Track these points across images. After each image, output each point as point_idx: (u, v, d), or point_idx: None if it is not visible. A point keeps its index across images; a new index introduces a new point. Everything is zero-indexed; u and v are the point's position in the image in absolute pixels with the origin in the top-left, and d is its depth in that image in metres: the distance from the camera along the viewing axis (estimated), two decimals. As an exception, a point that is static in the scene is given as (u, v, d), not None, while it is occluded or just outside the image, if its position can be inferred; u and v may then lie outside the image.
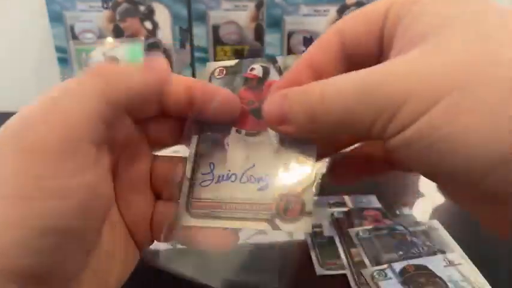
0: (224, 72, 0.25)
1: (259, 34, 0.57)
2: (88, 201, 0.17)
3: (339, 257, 0.33)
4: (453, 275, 0.30)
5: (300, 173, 0.21)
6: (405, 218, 0.38)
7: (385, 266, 0.31)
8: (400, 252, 0.33)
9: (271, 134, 0.22)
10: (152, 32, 0.58)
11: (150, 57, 0.22)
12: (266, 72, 0.24)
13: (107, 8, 0.56)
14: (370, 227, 0.36)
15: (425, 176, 0.18)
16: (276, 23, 0.56)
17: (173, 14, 0.57)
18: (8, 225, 0.15)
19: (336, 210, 0.39)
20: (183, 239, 0.22)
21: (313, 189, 0.21)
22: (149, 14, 0.57)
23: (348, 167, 0.24)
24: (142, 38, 0.57)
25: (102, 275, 0.20)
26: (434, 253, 0.32)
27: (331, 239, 0.35)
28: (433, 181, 0.18)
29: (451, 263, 0.31)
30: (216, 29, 0.57)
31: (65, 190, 0.16)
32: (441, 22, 0.16)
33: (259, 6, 0.56)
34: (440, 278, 0.30)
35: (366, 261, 0.32)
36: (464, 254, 0.33)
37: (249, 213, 0.21)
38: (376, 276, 0.30)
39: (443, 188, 0.18)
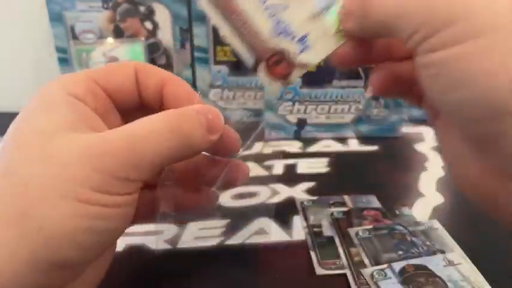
0: None
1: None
2: (127, 212, 0.20)
3: (338, 256, 0.33)
4: (453, 275, 0.30)
5: (311, 49, 0.21)
6: (405, 218, 0.38)
7: (385, 265, 0.31)
8: (400, 252, 0.33)
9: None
10: (152, 32, 0.58)
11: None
12: None
13: (107, 8, 0.56)
14: (369, 226, 0.36)
15: (438, 102, 0.18)
16: (276, 23, 0.56)
17: (173, 14, 0.57)
18: (64, 222, 0.17)
19: (336, 210, 0.39)
20: None
21: (305, 69, 0.21)
22: (149, 14, 0.57)
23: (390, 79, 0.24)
24: (143, 38, 0.57)
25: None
26: (434, 253, 0.32)
27: (330, 239, 0.35)
28: (443, 111, 0.19)
29: (450, 263, 0.31)
30: (216, 29, 0.57)
31: (111, 201, 0.19)
32: None
33: (259, 7, 0.56)
34: (439, 277, 0.30)
35: (366, 261, 0.32)
36: (464, 253, 0.33)
37: (249, 39, 0.21)
38: (376, 276, 0.30)
39: (448, 125, 0.19)
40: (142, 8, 0.57)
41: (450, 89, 0.16)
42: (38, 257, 0.17)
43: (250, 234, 0.36)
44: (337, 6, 0.21)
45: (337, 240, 0.35)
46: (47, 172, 0.17)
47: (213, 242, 0.35)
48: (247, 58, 0.21)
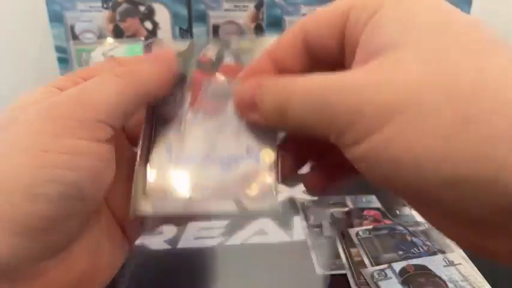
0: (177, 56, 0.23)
1: (259, 34, 0.57)
2: (97, 166, 0.18)
3: (338, 256, 0.33)
4: (453, 275, 0.30)
5: (262, 153, 0.21)
6: (405, 218, 0.38)
7: (385, 265, 0.31)
8: (400, 252, 0.33)
9: (230, 115, 0.22)
10: (152, 32, 0.58)
11: (155, 51, 0.22)
12: (220, 55, 0.23)
13: (107, 8, 0.56)
14: (370, 226, 0.36)
15: (383, 188, 0.17)
16: (276, 23, 0.56)
17: (173, 14, 0.57)
18: (20, 173, 0.17)
19: (336, 210, 0.39)
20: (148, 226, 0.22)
21: (277, 168, 0.21)
22: (149, 14, 0.57)
23: (321, 176, 0.23)
24: (143, 38, 0.57)
25: (89, 268, 0.20)
26: (434, 253, 0.32)
27: (331, 239, 0.35)
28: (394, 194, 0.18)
29: (450, 263, 0.31)
30: (216, 29, 0.57)
31: (78, 148, 0.18)
32: (401, 35, 0.15)
33: (259, 6, 0.56)
34: (440, 277, 0.30)
35: (366, 261, 0.32)
36: (464, 254, 0.33)
37: (213, 195, 0.20)
38: (376, 276, 0.30)
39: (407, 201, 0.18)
40: (142, 8, 0.57)
41: (373, 179, 0.16)
42: (4, 216, 0.16)
43: (250, 235, 0.36)
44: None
45: (337, 240, 0.35)
46: (12, 132, 0.18)
47: (213, 242, 0.35)
48: (229, 208, 0.21)
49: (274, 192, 0.21)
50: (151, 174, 0.21)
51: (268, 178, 0.21)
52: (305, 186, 0.23)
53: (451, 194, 0.14)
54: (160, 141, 0.22)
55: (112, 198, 0.22)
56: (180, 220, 0.21)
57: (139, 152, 0.21)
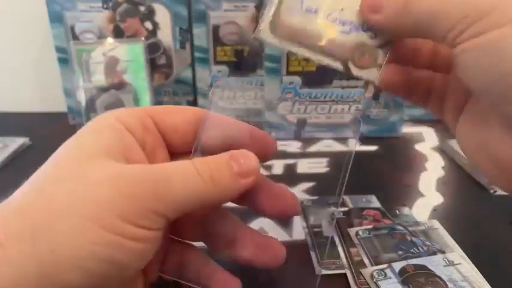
0: None
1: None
2: (145, 249, 0.19)
3: (338, 256, 0.33)
4: (453, 275, 0.30)
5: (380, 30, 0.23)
6: (405, 218, 0.38)
7: (385, 265, 0.31)
8: (400, 252, 0.33)
9: None
10: (152, 33, 0.58)
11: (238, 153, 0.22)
12: None
13: (107, 8, 0.56)
14: (369, 226, 0.36)
15: (478, 90, 0.20)
16: (276, 23, 0.56)
17: (173, 15, 0.57)
18: (73, 241, 0.17)
19: (336, 210, 0.39)
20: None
21: (387, 47, 0.23)
22: (149, 15, 0.57)
23: (404, 76, 0.25)
24: (143, 39, 0.57)
25: None
26: (434, 253, 0.32)
27: (331, 239, 0.35)
28: (480, 93, 0.20)
29: (450, 263, 0.31)
30: (216, 29, 0.57)
31: (135, 233, 0.18)
32: None
33: (259, 7, 0.56)
34: (439, 277, 0.30)
35: (366, 261, 0.32)
36: (464, 253, 0.33)
37: (327, 50, 0.23)
38: (376, 276, 0.30)
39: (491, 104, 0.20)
40: (142, 8, 0.57)
41: (492, 66, 0.17)
42: (46, 277, 0.16)
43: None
44: None
45: (337, 240, 0.35)
46: (73, 190, 0.17)
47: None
48: (337, 65, 0.23)
49: (378, 70, 0.23)
50: (282, 10, 0.23)
51: (380, 56, 0.23)
52: (382, 76, 0.24)
53: None
54: None
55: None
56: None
57: None
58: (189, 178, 0.19)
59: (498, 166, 0.20)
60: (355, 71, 0.23)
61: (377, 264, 0.32)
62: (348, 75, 0.25)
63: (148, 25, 0.58)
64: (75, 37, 0.57)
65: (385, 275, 0.30)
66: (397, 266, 0.31)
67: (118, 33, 0.57)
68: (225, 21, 0.57)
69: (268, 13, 0.23)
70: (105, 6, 0.56)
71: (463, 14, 0.18)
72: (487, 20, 0.17)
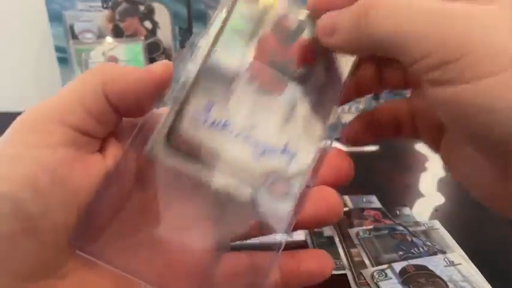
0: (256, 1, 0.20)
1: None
2: (39, 176, 0.17)
3: (338, 257, 0.33)
4: (453, 275, 0.30)
5: (298, 154, 0.19)
6: (405, 218, 0.38)
7: (385, 266, 0.31)
8: (400, 253, 0.32)
9: (286, 100, 0.20)
10: (152, 32, 0.58)
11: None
12: (301, 28, 0.20)
13: (106, 7, 0.56)
14: (370, 227, 0.36)
15: (454, 130, 0.17)
16: (276, 23, 0.56)
17: (173, 14, 0.57)
18: None
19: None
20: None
21: (305, 175, 0.19)
22: (149, 14, 0.57)
23: (367, 125, 0.23)
24: (142, 38, 0.57)
25: None
26: (435, 253, 0.32)
27: (331, 239, 0.35)
28: (459, 145, 0.18)
29: (451, 263, 0.31)
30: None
31: (20, 155, 0.17)
32: None
33: (259, 6, 0.56)
34: (440, 278, 0.30)
35: (366, 261, 0.32)
36: (464, 254, 0.33)
37: (234, 174, 0.19)
38: (376, 277, 0.30)
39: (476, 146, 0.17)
40: (141, 8, 0.57)
41: (470, 116, 0.15)
42: None
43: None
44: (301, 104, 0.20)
45: (337, 241, 0.35)
46: None
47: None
48: (243, 193, 0.19)
49: (292, 202, 0.19)
50: (181, 124, 0.19)
51: (294, 186, 0.19)
52: (345, 134, 0.22)
53: None
54: (203, 92, 0.19)
55: None
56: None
57: (177, 92, 0.19)
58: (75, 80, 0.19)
59: (484, 191, 0.19)
60: (264, 202, 0.19)
61: (377, 264, 0.32)
62: (254, 209, 0.19)
63: (148, 24, 0.58)
64: (74, 37, 0.57)
65: (386, 275, 0.30)
66: (398, 266, 0.31)
67: (117, 33, 0.57)
68: (225, 20, 0.57)
69: (164, 125, 0.19)
70: (104, 5, 0.56)
71: (428, 50, 0.15)
72: (464, 62, 0.14)
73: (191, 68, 0.19)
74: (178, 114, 0.19)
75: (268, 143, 0.19)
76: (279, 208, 0.19)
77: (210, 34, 0.19)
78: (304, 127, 0.20)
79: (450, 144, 0.20)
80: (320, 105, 0.20)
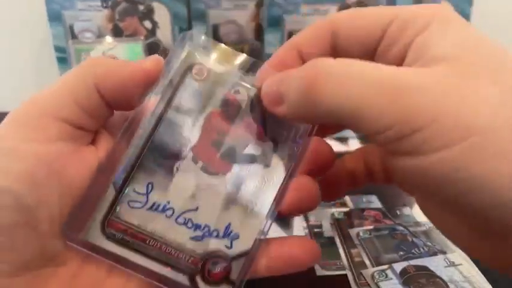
0: (205, 75, 0.20)
1: (259, 33, 0.57)
2: (34, 170, 0.17)
3: (339, 257, 0.33)
4: (454, 276, 0.30)
5: (240, 237, 0.19)
6: (406, 219, 0.38)
7: (386, 266, 0.31)
8: (401, 253, 0.32)
9: (230, 181, 0.19)
10: (152, 32, 0.58)
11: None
12: (252, 106, 0.20)
13: (106, 7, 0.56)
14: (370, 227, 0.36)
15: (422, 201, 0.17)
16: (276, 23, 0.56)
17: (173, 14, 0.57)
18: None
19: (336, 210, 0.39)
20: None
21: (244, 260, 0.19)
22: (148, 14, 0.57)
23: (328, 184, 0.23)
24: (142, 38, 0.56)
25: None
26: (435, 253, 0.32)
27: (331, 239, 0.35)
28: (433, 206, 0.17)
29: (451, 264, 0.31)
30: (216, 28, 0.57)
31: (16, 150, 0.17)
32: (460, 50, 0.15)
33: (259, 6, 0.56)
34: (441, 278, 0.30)
35: (367, 261, 0.32)
36: (465, 254, 0.32)
37: (171, 259, 0.19)
38: (377, 277, 0.30)
39: (439, 217, 0.18)
40: (141, 7, 0.56)
41: (435, 189, 0.15)
42: None
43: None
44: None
45: (337, 241, 0.35)
46: None
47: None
48: (180, 279, 0.19)
49: (231, 283, 0.19)
50: (119, 207, 0.19)
51: (236, 269, 0.19)
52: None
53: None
54: (143, 173, 0.19)
55: None
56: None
57: (114, 172, 0.19)
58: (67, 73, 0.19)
59: (465, 244, 0.18)
60: None
61: (378, 265, 0.31)
62: None
63: (148, 24, 0.57)
64: (74, 36, 0.57)
65: (386, 275, 0.30)
66: (398, 266, 0.31)
67: (117, 33, 0.57)
68: (225, 20, 0.57)
69: (100, 210, 0.18)
70: (104, 5, 0.56)
71: (383, 125, 0.14)
72: (428, 132, 0.14)
73: (133, 149, 0.19)
74: (116, 198, 0.19)
75: (208, 226, 0.19)
76: None
77: (155, 112, 0.19)
78: (248, 209, 0.20)
79: (425, 209, 0.19)
80: (267, 183, 0.20)
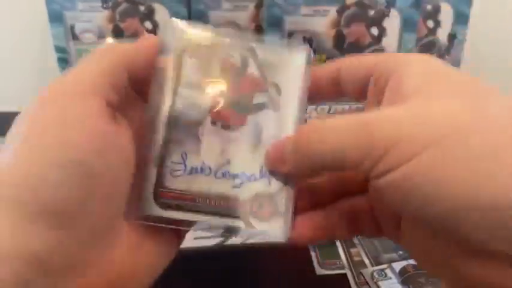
0: (198, 51, 0.22)
1: (259, 34, 0.57)
2: (94, 141, 0.18)
3: (338, 256, 0.33)
4: (453, 275, 0.30)
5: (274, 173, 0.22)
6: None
7: (385, 265, 0.31)
8: (400, 252, 0.33)
9: (250, 130, 0.22)
10: (152, 32, 0.58)
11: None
12: (245, 63, 0.22)
13: (106, 8, 0.56)
14: (370, 227, 0.36)
15: (407, 220, 0.20)
16: (276, 23, 0.56)
17: (173, 14, 0.57)
18: (24, 159, 0.17)
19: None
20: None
21: (285, 191, 0.21)
22: (149, 14, 0.57)
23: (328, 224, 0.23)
24: (142, 38, 0.57)
25: (129, 268, 0.20)
26: (434, 253, 0.32)
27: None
28: (413, 226, 0.19)
29: (451, 263, 0.31)
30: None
31: (69, 124, 0.18)
32: (433, 80, 0.18)
33: (259, 6, 0.56)
34: (440, 277, 0.30)
35: (366, 261, 0.32)
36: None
37: (223, 209, 0.21)
38: (376, 276, 0.30)
39: (421, 239, 0.20)
40: (142, 8, 0.57)
41: (415, 203, 0.17)
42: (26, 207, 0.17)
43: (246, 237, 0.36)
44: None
45: (337, 240, 0.35)
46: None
47: (212, 242, 0.35)
48: (237, 224, 0.21)
49: (283, 218, 0.21)
50: (163, 179, 0.21)
51: (280, 202, 0.21)
52: (291, 229, 0.22)
53: (483, 220, 0.15)
54: (174, 145, 0.21)
55: None
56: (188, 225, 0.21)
57: (151, 152, 0.21)
58: (89, 57, 0.21)
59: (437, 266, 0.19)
60: (260, 226, 0.21)
61: (377, 264, 0.32)
62: (251, 235, 0.22)
63: (148, 25, 0.58)
64: (74, 37, 0.57)
65: (386, 275, 0.30)
66: (398, 266, 0.31)
67: (118, 33, 0.57)
68: (225, 21, 0.57)
69: (148, 185, 0.21)
70: (104, 5, 0.56)
71: (367, 150, 0.17)
72: (391, 156, 0.16)
73: (160, 128, 0.21)
74: (159, 171, 0.21)
75: (244, 173, 0.21)
76: (272, 227, 0.21)
77: (166, 94, 0.21)
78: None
79: (409, 236, 0.21)
80: (282, 122, 0.22)
